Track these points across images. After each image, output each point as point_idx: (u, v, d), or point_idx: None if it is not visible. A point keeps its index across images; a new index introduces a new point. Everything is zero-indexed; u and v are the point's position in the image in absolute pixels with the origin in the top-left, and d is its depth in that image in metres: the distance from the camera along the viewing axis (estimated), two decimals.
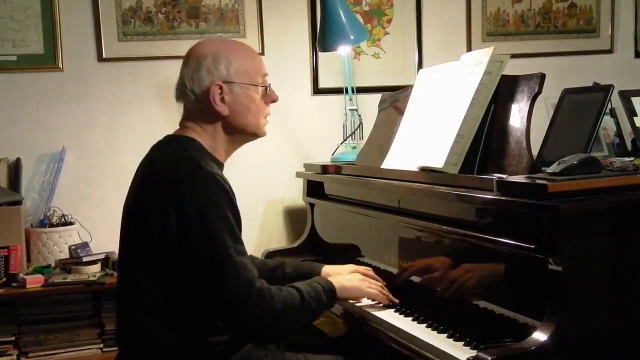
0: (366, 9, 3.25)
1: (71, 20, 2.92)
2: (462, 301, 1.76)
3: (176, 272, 1.64)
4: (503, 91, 1.87)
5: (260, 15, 3.10)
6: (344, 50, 2.89)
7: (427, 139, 2.01)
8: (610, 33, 3.52)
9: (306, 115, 3.17)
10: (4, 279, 2.58)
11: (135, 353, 1.73)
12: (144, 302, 1.68)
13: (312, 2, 3.15)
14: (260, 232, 3.14)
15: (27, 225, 2.82)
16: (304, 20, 3.18)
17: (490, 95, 1.87)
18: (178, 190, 1.63)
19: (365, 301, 1.98)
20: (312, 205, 2.73)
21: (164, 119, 2.98)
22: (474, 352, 1.49)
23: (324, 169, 2.60)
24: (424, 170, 1.96)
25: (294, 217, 3.16)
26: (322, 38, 2.88)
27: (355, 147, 2.80)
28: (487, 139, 1.86)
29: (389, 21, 3.28)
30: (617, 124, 2.47)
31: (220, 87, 1.76)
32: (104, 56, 2.96)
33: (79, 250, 2.79)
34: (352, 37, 2.83)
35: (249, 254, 1.74)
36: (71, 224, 2.84)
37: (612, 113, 2.42)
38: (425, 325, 1.76)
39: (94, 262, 2.74)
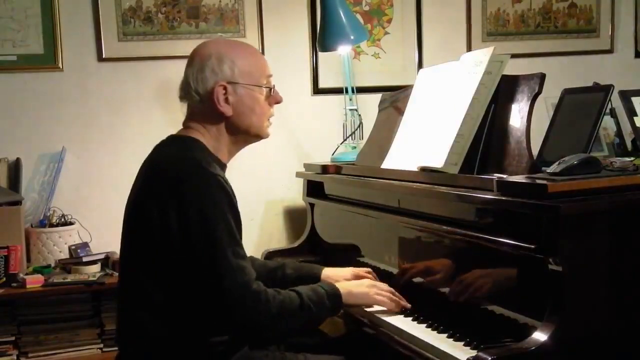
0: (366, 9, 3.25)
1: (71, 20, 2.92)
2: (462, 301, 1.76)
3: (176, 272, 1.64)
4: (503, 91, 1.87)
5: (260, 15, 3.10)
6: (344, 50, 2.89)
7: (427, 139, 2.01)
8: (610, 33, 3.52)
9: (306, 115, 3.17)
10: (4, 279, 2.58)
11: (135, 353, 1.73)
12: (144, 302, 1.68)
13: (312, 2, 3.15)
14: (260, 232, 3.14)
15: (27, 225, 2.82)
16: (304, 20, 3.18)
17: (490, 95, 1.87)
18: (180, 191, 1.63)
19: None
20: (312, 205, 2.73)
21: (164, 119, 2.98)
22: (474, 352, 1.49)
23: (324, 169, 2.60)
24: (424, 170, 1.96)
25: (294, 217, 3.16)
26: (322, 38, 2.88)
27: (355, 147, 2.80)
28: (487, 138, 1.86)
29: (389, 21, 3.28)
30: (617, 124, 2.47)
31: (225, 88, 1.76)
32: (104, 56, 2.96)
33: (78, 250, 2.79)
34: (352, 37, 2.83)
35: (248, 255, 1.74)
36: (71, 224, 2.84)
37: (612, 113, 2.42)
38: (425, 325, 1.76)
39: (93, 262, 2.74)
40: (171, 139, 1.81)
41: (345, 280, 2.00)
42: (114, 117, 2.99)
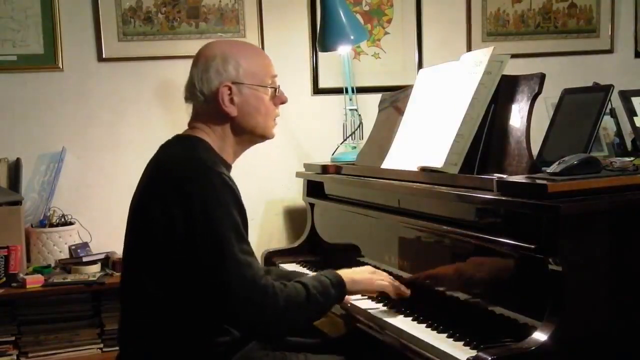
0: (366, 9, 3.25)
1: (71, 20, 2.92)
2: (462, 301, 1.76)
3: (181, 271, 1.64)
4: (503, 91, 1.87)
5: (260, 15, 3.10)
6: (344, 50, 2.90)
7: (427, 139, 2.01)
8: (610, 33, 3.52)
9: (306, 115, 3.17)
10: (4, 279, 2.58)
11: (136, 353, 1.73)
12: (147, 302, 1.68)
13: (312, 2, 3.15)
14: (260, 232, 3.14)
15: (27, 225, 2.82)
16: (304, 20, 3.18)
17: (490, 95, 1.87)
18: (185, 190, 1.62)
19: (368, 302, 1.97)
20: (312, 205, 2.73)
21: (163, 119, 2.99)
22: (474, 352, 1.49)
23: (324, 169, 2.60)
24: (424, 170, 1.96)
25: (294, 217, 3.16)
26: (322, 38, 2.88)
27: (355, 147, 2.81)
28: (487, 139, 1.86)
29: (389, 21, 3.28)
30: (617, 124, 2.47)
31: (229, 88, 1.76)
32: (104, 56, 2.96)
33: (78, 250, 2.79)
34: (352, 37, 2.83)
35: None
36: (71, 224, 2.84)
37: (612, 113, 2.42)
38: (425, 325, 1.76)
39: (93, 262, 2.75)
40: (177, 139, 1.81)
41: None
42: (114, 117, 2.99)
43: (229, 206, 1.64)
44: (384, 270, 2.11)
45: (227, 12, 3.07)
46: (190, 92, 1.80)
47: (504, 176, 1.68)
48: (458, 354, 1.54)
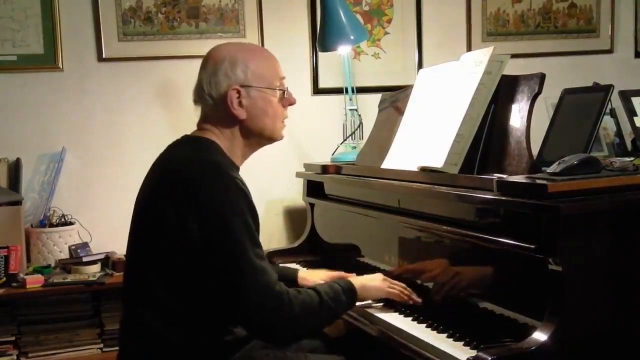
0: (366, 9, 3.25)
1: (71, 20, 2.92)
2: (462, 301, 1.76)
3: (191, 273, 1.63)
4: (503, 91, 1.87)
5: (260, 15, 3.10)
6: (344, 50, 2.90)
7: (427, 139, 2.01)
8: (610, 33, 3.52)
9: (306, 115, 3.16)
10: (4, 279, 2.58)
11: (136, 353, 1.73)
12: (151, 303, 1.67)
13: (312, 2, 3.15)
14: (261, 232, 3.07)
15: (27, 225, 2.82)
16: (304, 20, 3.18)
17: (490, 95, 1.87)
18: (196, 192, 1.62)
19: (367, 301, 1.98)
20: (312, 205, 2.73)
21: (163, 119, 2.99)
22: (474, 352, 1.49)
23: (324, 169, 2.60)
24: (424, 170, 1.96)
25: (294, 217, 3.16)
26: (322, 38, 2.88)
27: (355, 147, 2.81)
28: (487, 139, 1.86)
29: (389, 21, 3.28)
30: (617, 124, 2.47)
31: (238, 91, 1.76)
32: (104, 56, 2.96)
33: (79, 250, 2.79)
34: (352, 37, 2.83)
35: None
36: (71, 224, 2.84)
37: (612, 113, 2.42)
38: (425, 325, 1.76)
39: (94, 262, 2.74)
40: (185, 140, 1.81)
41: (320, 279, 2.07)
42: (114, 117, 2.99)
43: (244, 211, 1.64)
44: (384, 271, 2.12)
45: (227, 12, 3.07)
46: (199, 95, 1.80)
47: (504, 176, 1.68)
48: (458, 354, 1.54)
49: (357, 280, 1.88)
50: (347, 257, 2.33)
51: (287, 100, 1.86)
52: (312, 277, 2.16)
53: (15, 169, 2.84)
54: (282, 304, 1.63)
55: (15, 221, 2.67)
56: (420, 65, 3.26)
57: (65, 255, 2.79)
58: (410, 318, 1.83)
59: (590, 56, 3.52)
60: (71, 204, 2.89)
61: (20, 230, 2.69)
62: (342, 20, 2.81)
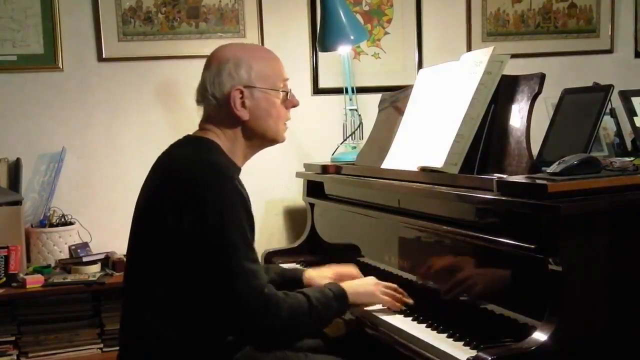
0: (366, 9, 3.25)
1: (71, 20, 2.92)
2: (462, 301, 1.76)
3: (187, 273, 1.63)
4: (503, 91, 1.87)
5: (260, 15, 3.10)
6: (344, 50, 2.90)
7: (427, 139, 2.01)
8: (610, 33, 3.52)
9: (306, 115, 3.15)
10: (4, 279, 2.58)
11: (136, 353, 1.73)
12: (151, 302, 1.67)
13: (312, 2, 3.15)
14: (260, 232, 3.09)
15: (27, 225, 2.82)
16: (304, 20, 3.18)
17: (490, 95, 1.87)
18: (196, 192, 1.62)
19: None
20: (312, 205, 2.73)
21: (164, 119, 2.99)
22: (474, 352, 1.49)
23: (324, 169, 2.60)
24: (424, 170, 1.96)
25: (294, 217, 3.16)
26: (322, 38, 2.88)
27: (355, 147, 2.81)
28: (487, 139, 1.86)
29: (389, 21, 3.28)
30: (617, 124, 2.47)
31: (241, 92, 1.76)
32: (104, 56, 2.96)
33: (78, 250, 2.79)
34: (352, 37, 2.83)
35: None
36: (71, 224, 2.84)
37: (612, 113, 2.42)
38: (425, 325, 1.76)
39: (93, 262, 2.74)
40: (187, 140, 1.81)
41: (328, 279, 2.01)
42: (114, 117, 2.99)
43: (239, 213, 1.64)
44: (384, 271, 2.12)
45: (227, 12, 3.07)
46: (202, 95, 1.80)
47: (504, 176, 1.68)
48: (458, 354, 1.53)
49: (350, 286, 1.86)
50: (347, 257, 2.33)
51: (290, 102, 1.87)
52: (319, 276, 2.09)
53: (15, 169, 2.84)
54: (270, 307, 1.63)
55: (15, 221, 2.67)
56: (420, 65, 3.26)
57: (65, 255, 2.79)
58: (410, 318, 1.83)
59: (590, 56, 3.52)
60: (71, 204, 2.89)
61: (20, 230, 2.69)
62: (342, 20, 2.81)
